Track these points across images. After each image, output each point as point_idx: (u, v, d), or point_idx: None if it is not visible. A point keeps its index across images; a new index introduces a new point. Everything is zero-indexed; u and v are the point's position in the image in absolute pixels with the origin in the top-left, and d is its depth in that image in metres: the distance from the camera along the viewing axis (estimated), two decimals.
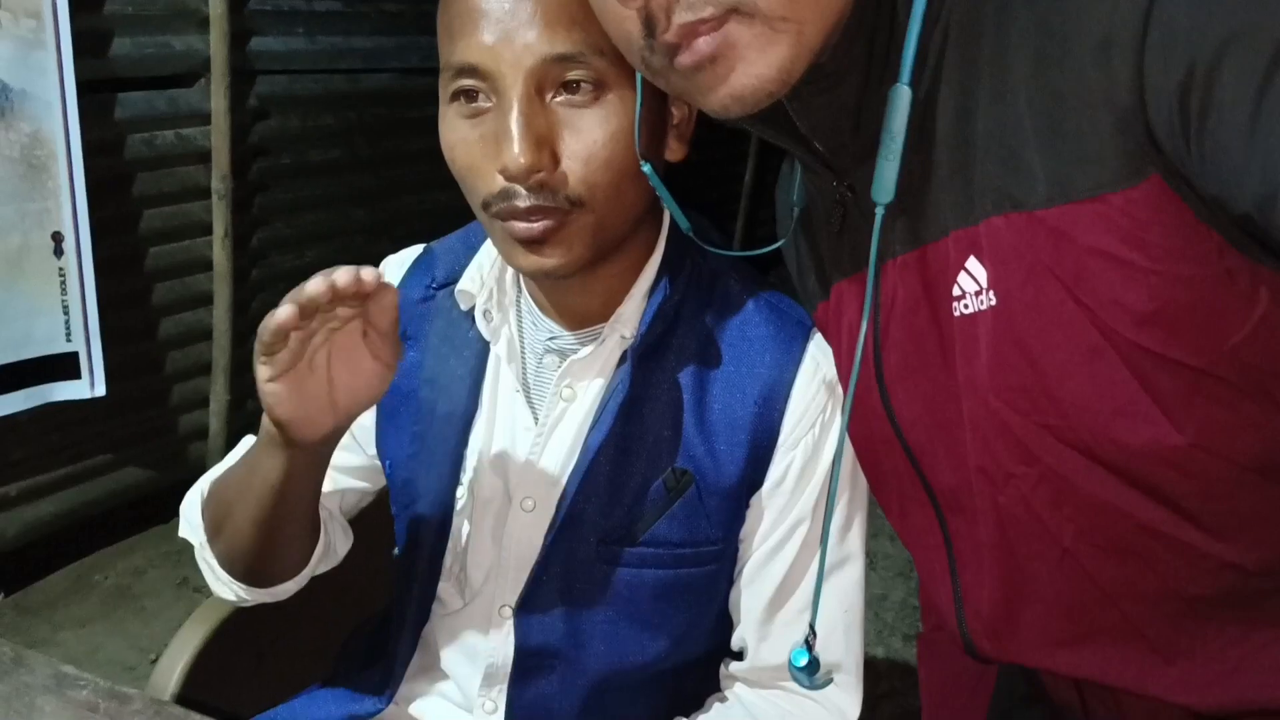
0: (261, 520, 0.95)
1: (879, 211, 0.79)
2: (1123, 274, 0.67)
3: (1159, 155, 0.64)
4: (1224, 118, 0.59)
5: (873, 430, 0.91)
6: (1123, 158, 0.65)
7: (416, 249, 1.11)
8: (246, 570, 1.01)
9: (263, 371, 0.81)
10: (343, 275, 0.77)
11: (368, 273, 0.78)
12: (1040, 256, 0.71)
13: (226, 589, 1.04)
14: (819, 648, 0.96)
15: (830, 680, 0.97)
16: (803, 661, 0.94)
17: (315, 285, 0.77)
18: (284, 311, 0.77)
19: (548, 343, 0.99)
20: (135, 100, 2.43)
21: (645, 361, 0.95)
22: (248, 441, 1.03)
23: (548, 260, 0.86)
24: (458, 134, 0.86)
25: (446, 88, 0.87)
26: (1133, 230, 0.66)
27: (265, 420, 0.87)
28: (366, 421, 1.08)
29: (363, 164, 3.09)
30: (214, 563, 1.02)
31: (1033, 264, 0.71)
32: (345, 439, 1.07)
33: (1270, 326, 0.67)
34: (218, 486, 1.02)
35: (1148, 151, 0.65)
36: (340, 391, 0.86)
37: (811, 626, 0.95)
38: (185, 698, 1.11)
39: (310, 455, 0.91)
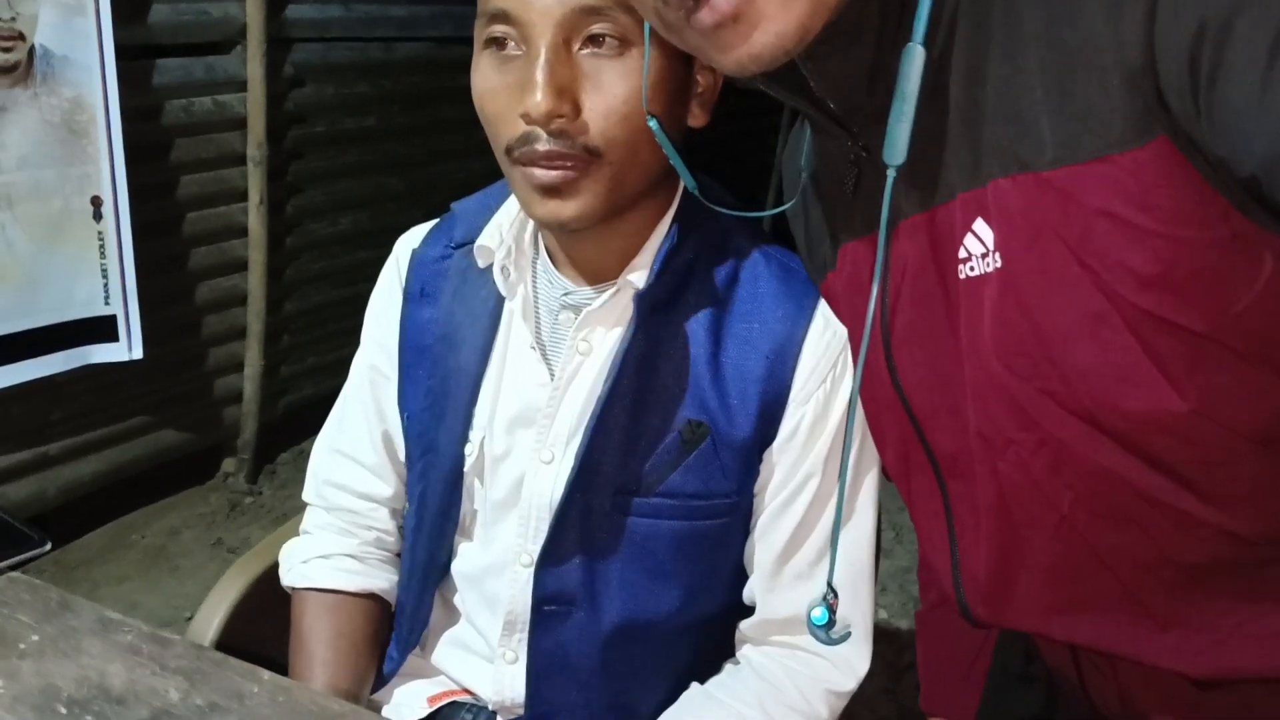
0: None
1: (890, 173, 0.78)
2: (1128, 236, 0.66)
3: (1167, 116, 0.63)
4: (1234, 79, 0.58)
5: (877, 393, 0.91)
6: (1130, 118, 0.65)
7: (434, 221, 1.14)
8: None
9: None
10: None
11: None
12: (1046, 218, 0.70)
13: None
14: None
15: (848, 635, 0.97)
16: (823, 621, 0.94)
17: None
18: None
19: (563, 298, 1.01)
20: (173, 67, 2.47)
21: (659, 315, 0.96)
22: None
23: (563, 209, 0.88)
24: (488, 82, 0.89)
25: (480, 35, 0.89)
26: (1139, 192, 0.65)
27: None
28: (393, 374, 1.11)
29: (397, 132, 3.11)
30: None
31: (1039, 226, 0.71)
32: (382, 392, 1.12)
33: (1275, 292, 0.66)
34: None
35: (1155, 112, 0.64)
36: None
37: (831, 585, 0.95)
38: (222, 646, 1.14)
39: None
